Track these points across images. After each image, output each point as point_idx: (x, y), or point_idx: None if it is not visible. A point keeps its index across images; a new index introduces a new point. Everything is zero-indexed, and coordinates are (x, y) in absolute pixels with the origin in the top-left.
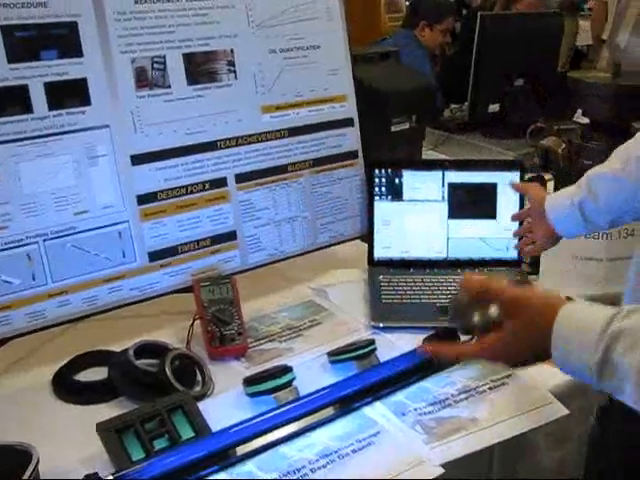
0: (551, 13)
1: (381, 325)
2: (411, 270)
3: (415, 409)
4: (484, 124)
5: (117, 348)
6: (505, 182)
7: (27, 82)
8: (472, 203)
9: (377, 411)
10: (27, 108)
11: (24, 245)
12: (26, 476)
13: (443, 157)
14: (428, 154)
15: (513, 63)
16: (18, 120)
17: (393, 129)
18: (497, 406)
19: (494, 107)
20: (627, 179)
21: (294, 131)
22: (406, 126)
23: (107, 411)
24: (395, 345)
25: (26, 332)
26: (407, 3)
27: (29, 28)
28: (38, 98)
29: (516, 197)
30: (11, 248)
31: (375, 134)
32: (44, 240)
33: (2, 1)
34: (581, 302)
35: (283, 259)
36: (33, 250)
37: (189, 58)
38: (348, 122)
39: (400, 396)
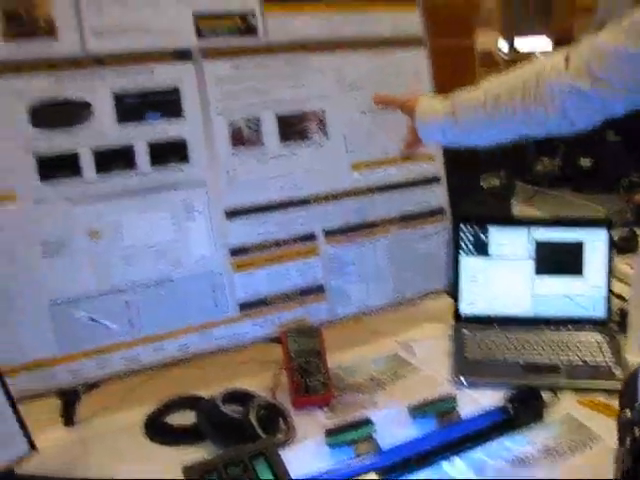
0: None
1: (463, 381)
2: (496, 327)
3: (494, 467)
4: (576, 178)
5: (205, 394)
6: (592, 240)
7: (133, 141)
8: (558, 260)
9: (456, 467)
10: (132, 165)
11: (123, 293)
12: None
13: (533, 212)
14: (519, 209)
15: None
16: (123, 176)
17: (483, 185)
18: (577, 470)
19: (585, 161)
20: (485, 111)
21: (382, 188)
22: (496, 182)
23: (193, 454)
24: (477, 401)
25: (122, 375)
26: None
27: (137, 93)
28: (142, 156)
29: (603, 254)
30: (111, 295)
31: (465, 189)
32: (142, 289)
33: (115, 70)
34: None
35: (370, 312)
36: (131, 298)
37: (282, 119)
38: (435, 180)
39: (480, 453)
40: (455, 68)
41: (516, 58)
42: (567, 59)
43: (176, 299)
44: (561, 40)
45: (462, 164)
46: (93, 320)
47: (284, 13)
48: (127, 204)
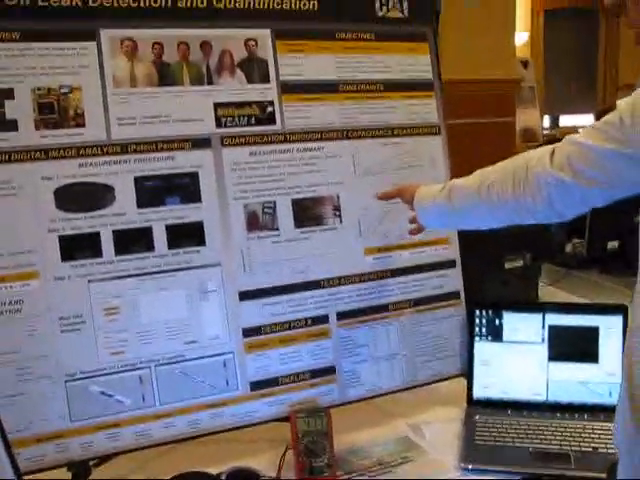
0: None
1: (470, 467)
2: (509, 412)
3: None
4: (604, 260)
5: (214, 470)
6: (608, 326)
7: (151, 224)
8: (573, 346)
9: None
10: (149, 247)
11: (137, 369)
12: None
13: (560, 294)
14: (546, 290)
15: (632, 198)
16: (141, 257)
17: (507, 266)
18: None
19: (613, 244)
20: (479, 198)
21: (396, 272)
22: (520, 264)
23: None
24: None
25: (132, 449)
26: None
27: (157, 178)
28: (160, 238)
29: (619, 340)
30: (125, 371)
31: (488, 270)
32: (155, 365)
33: (137, 157)
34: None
35: (381, 395)
36: (145, 374)
37: (297, 203)
38: (450, 264)
39: None
40: (497, 144)
41: (559, 134)
42: (552, 153)
43: (188, 376)
44: (600, 112)
45: (484, 246)
46: (107, 395)
47: (301, 103)
48: (144, 283)
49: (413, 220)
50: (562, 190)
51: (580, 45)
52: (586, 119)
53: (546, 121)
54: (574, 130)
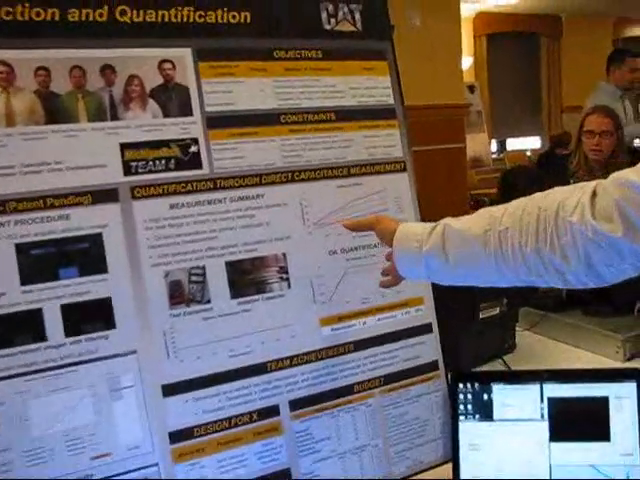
0: None
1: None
2: None
3: None
4: (585, 301)
5: None
6: (619, 396)
7: (41, 305)
8: (579, 422)
9: None
10: (40, 336)
11: None
12: None
13: (539, 340)
14: (523, 335)
15: None
16: (28, 350)
17: (482, 315)
18: None
19: None
20: (485, 249)
21: (360, 344)
22: (496, 311)
23: None
24: None
25: None
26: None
27: (48, 244)
28: (53, 323)
29: (634, 412)
30: None
31: (461, 323)
32: None
33: (18, 217)
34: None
35: None
36: None
37: (233, 267)
38: (426, 328)
39: None
40: (449, 171)
41: (507, 158)
42: (593, 196)
43: None
44: (552, 138)
45: (456, 295)
46: None
47: (233, 139)
48: (33, 384)
49: (388, 270)
50: (607, 248)
51: (523, 69)
52: (533, 141)
53: (493, 146)
54: (522, 154)
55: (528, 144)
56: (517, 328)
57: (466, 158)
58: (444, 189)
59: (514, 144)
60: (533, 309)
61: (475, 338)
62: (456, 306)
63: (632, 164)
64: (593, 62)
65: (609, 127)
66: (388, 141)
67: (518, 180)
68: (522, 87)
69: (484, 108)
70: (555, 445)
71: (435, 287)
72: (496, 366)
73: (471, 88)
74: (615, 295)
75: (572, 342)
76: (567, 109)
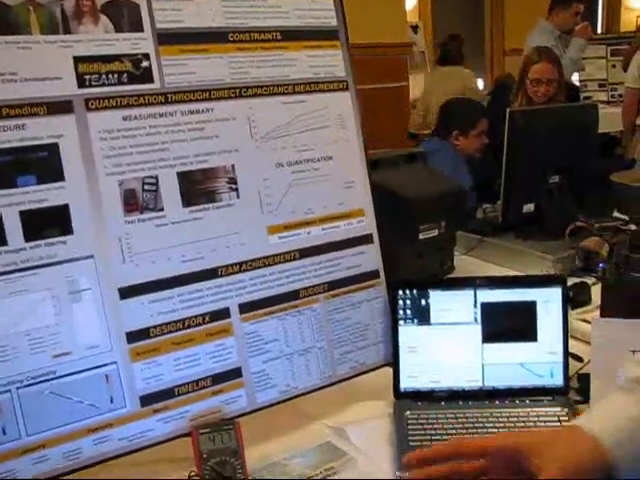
0: (585, 105)
1: (407, 476)
2: (442, 403)
3: None
4: (519, 225)
5: None
6: (546, 300)
7: (1, 212)
8: (509, 324)
9: None
10: (1, 241)
11: None
12: None
13: (475, 263)
14: (461, 259)
15: (547, 159)
16: None
17: (421, 237)
18: None
19: (529, 207)
20: None
21: (306, 252)
22: (435, 233)
23: None
24: None
25: None
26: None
27: (4, 153)
28: (13, 229)
29: (559, 315)
30: None
31: (401, 243)
32: (17, 388)
33: None
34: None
35: (297, 396)
36: (4, 400)
37: (185, 177)
38: (367, 239)
39: None
40: (392, 110)
41: None
42: None
43: (62, 397)
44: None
45: (396, 216)
46: None
47: (184, 55)
48: None
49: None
50: None
51: (467, 11)
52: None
53: None
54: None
55: None
56: (455, 253)
57: (409, 97)
58: (385, 128)
59: None
60: (470, 234)
61: (415, 258)
62: (398, 228)
63: (568, 99)
64: (537, 5)
65: (555, 74)
66: (331, 61)
67: (458, 109)
68: (465, 29)
69: (427, 49)
70: (487, 346)
71: (377, 209)
72: None
73: (414, 28)
74: (547, 219)
75: (507, 264)
76: (510, 52)
